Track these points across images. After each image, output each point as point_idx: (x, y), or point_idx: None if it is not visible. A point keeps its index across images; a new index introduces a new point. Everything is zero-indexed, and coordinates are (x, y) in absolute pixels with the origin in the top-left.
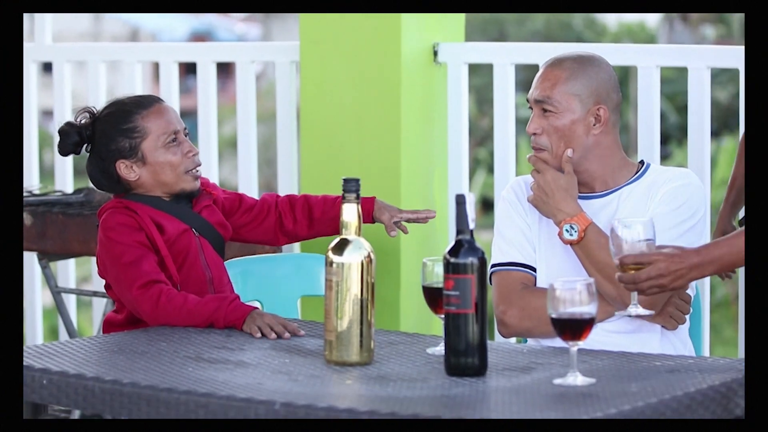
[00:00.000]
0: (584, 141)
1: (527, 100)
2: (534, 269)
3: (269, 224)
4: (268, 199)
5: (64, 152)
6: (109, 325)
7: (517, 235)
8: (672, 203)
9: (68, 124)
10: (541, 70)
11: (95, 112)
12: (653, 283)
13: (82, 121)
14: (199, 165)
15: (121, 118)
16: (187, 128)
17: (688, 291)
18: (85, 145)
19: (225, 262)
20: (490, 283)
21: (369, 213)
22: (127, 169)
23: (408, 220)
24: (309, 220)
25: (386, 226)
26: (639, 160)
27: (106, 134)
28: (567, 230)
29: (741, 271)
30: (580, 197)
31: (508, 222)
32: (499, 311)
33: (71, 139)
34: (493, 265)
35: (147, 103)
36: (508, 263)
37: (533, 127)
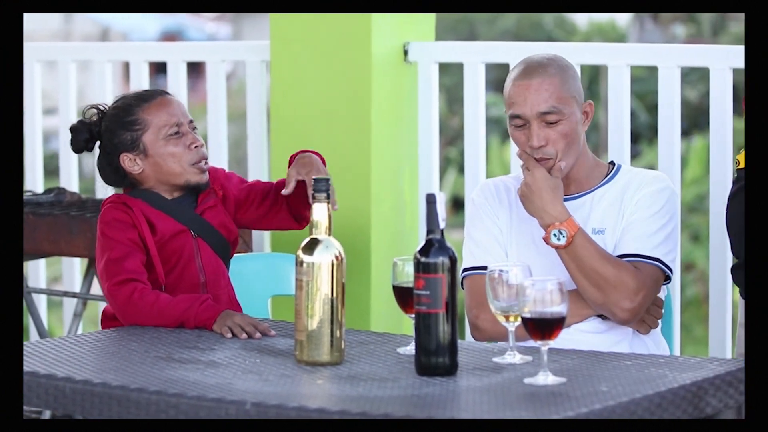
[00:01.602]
0: (581, 141)
1: (517, 117)
2: None
3: (284, 213)
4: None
5: (76, 149)
6: (105, 319)
7: (488, 239)
8: (651, 208)
9: (79, 121)
10: (525, 82)
11: (104, 108)
12: None
13: (92, 118)
14: (205, 157)
15: (124, 111)
16: (193, 121)
17: (660, 294)
18: (97, 142)
19: None
20: (462, 287)
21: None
22: (130, 162)
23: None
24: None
25: (287, 179)
26: (609, 160)
27: (109, 128)
28: (555, 235)
29: (711, 271)
30: None
31: (479, 225)
32: (472, 315)
33: (82, 136)
34: (465, 269)
35: (150, 96)
36: (480, 267)
37: (538, 140)
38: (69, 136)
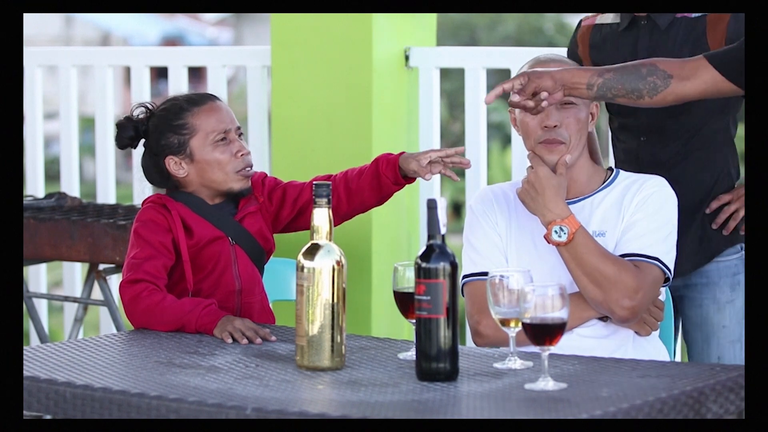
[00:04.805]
0: (586, 139)
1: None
2: None
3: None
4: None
5: (120, 145)
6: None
7: (488, 245)
8: (648, 209)
9: (126, 118)
10: (542, 65)
11: (152, 107)
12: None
13: (140, 116)
14: (251, 165)
15: (173, 114)
16: (240, 128)
17: (660, 297)
18: (142, 140)
19: None
20: (462, 294)
21: (395, 168)
22: (176, 166)
23: (440, 160)
24: (347, 193)
25: (418, 172)
26: (608, 166)
27: (157, 129)
28: (556, 232)
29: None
30: None
31: (479, 232)
32: (474, 321)
33: (127, 132)
34: (465, 276)
35: (200, 100)
36: (481, 273)
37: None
38: (114, 131)
